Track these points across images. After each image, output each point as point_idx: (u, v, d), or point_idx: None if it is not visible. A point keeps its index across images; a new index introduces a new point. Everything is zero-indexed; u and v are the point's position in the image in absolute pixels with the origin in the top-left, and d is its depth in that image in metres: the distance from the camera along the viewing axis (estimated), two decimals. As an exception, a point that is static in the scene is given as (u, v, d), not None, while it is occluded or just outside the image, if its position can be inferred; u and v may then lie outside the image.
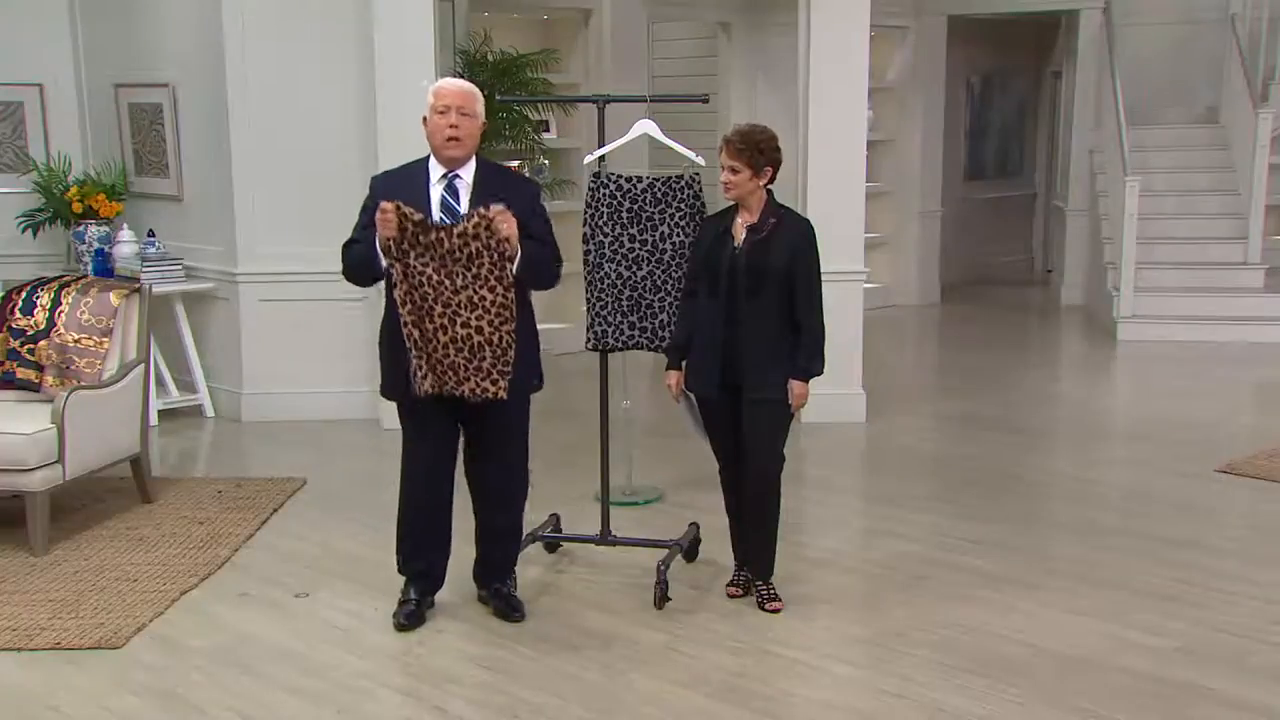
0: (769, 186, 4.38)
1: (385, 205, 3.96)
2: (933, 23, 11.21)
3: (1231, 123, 10.68)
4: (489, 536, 4.48)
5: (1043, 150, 13.47)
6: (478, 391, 4.11)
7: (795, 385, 4.35)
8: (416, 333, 4.07)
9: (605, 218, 4.79)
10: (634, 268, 4.79)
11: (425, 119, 4.17)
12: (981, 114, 12.82)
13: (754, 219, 4.36)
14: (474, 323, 4.05)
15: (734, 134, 4.33)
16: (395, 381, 4.23)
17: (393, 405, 4.39)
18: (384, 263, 4.05)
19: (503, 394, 4.11)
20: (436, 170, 4.19)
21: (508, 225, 3.97)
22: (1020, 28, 12.41)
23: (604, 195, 4.80)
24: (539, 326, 4.42)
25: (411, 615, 4.37)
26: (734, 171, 4.30)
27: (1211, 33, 11.02)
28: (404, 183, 4.19)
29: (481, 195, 4.11)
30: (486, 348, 4.06)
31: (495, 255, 4.00)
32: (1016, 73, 13.11)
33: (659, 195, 4.78)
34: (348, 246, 4.23)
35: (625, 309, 4.81)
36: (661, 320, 4.82)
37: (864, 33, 6.81)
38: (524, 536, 4.80)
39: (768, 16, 10.29)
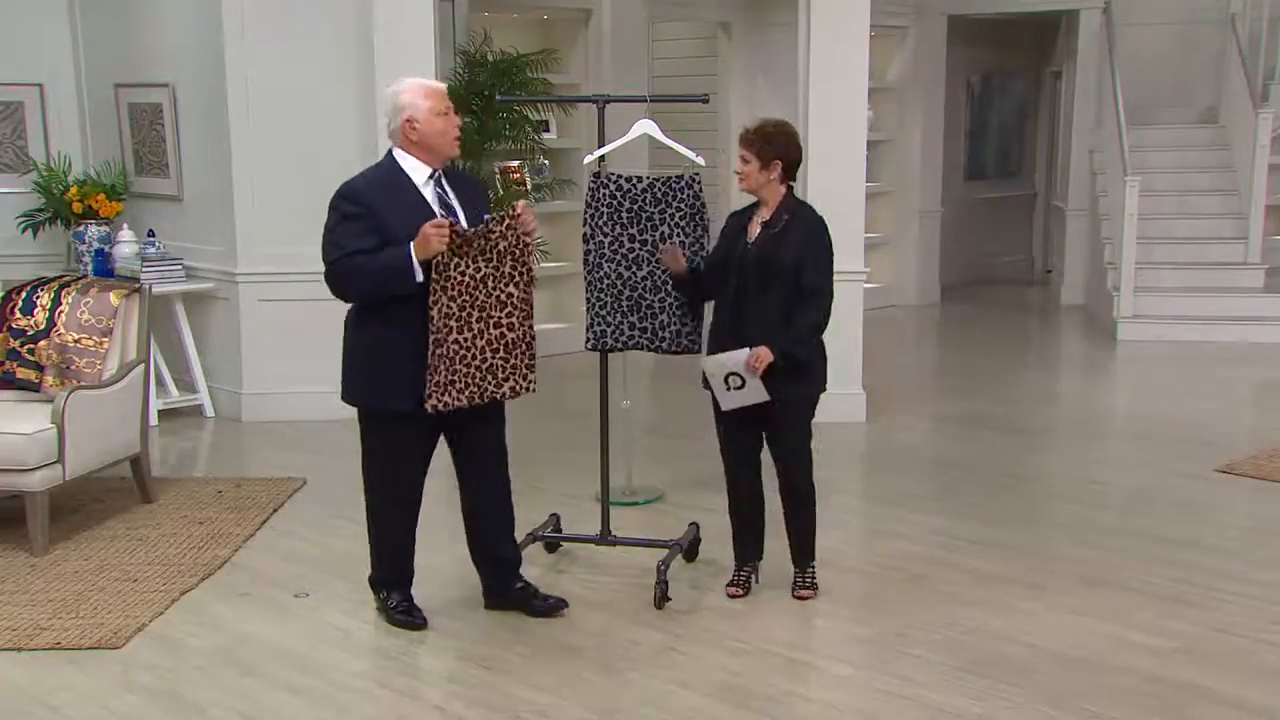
0: (790, 183, 4.39)
1: (439, 221, 3.95)
2: (933, 23, 11.22)
3: (1231, 123, 10.68)
4: (504, 537, 4.48)
5: (1043, 150, 13.47)
6: (516, 390, 4.20)
7: (761, 349, 4.27)
8: (453, 346, 4.03)
9: (605, 218, 4.79)
10: (634, 268, 4.78)
11: (413, 120, 4.05)
12: (981, 114, 12.82)
13: (769, 215, 4.38)
14: (504, 321, 4.14)
15: (748, 125, 4.39)
16: (394, 392, 4.11)
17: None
18: (420, 276, 3.97)
19: (534, 387, 4.23)
20: (420, 171, 4.11)
21: (533, 222, 4.14)
22: (1020, 28, 12.41)
23: (604, 195, 4.80)
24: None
25: (418, 612, 4.38)
26: (744, 161, 4.36)
27: (1211, 33, 11.02)
28: (388, 187, 4.08)
29: (460, 192, 4.19)
30: (517, 345, 4.18)
31: (518, 252, 4.13)
32: (1016, 73, 13.11)
33: (659, 195, 4.78)
34: (347, 259, 3.99)
35: (625, 309, 4.81)
36: (662, 320, 4.81)
37: (864, 33, 6.81)
38: (524, 536, 4.81)
39: (768, 16, 10.29)
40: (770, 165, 4.33)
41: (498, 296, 4.12)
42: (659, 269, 4.75)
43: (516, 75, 7.90)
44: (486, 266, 4.08)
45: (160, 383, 7.20)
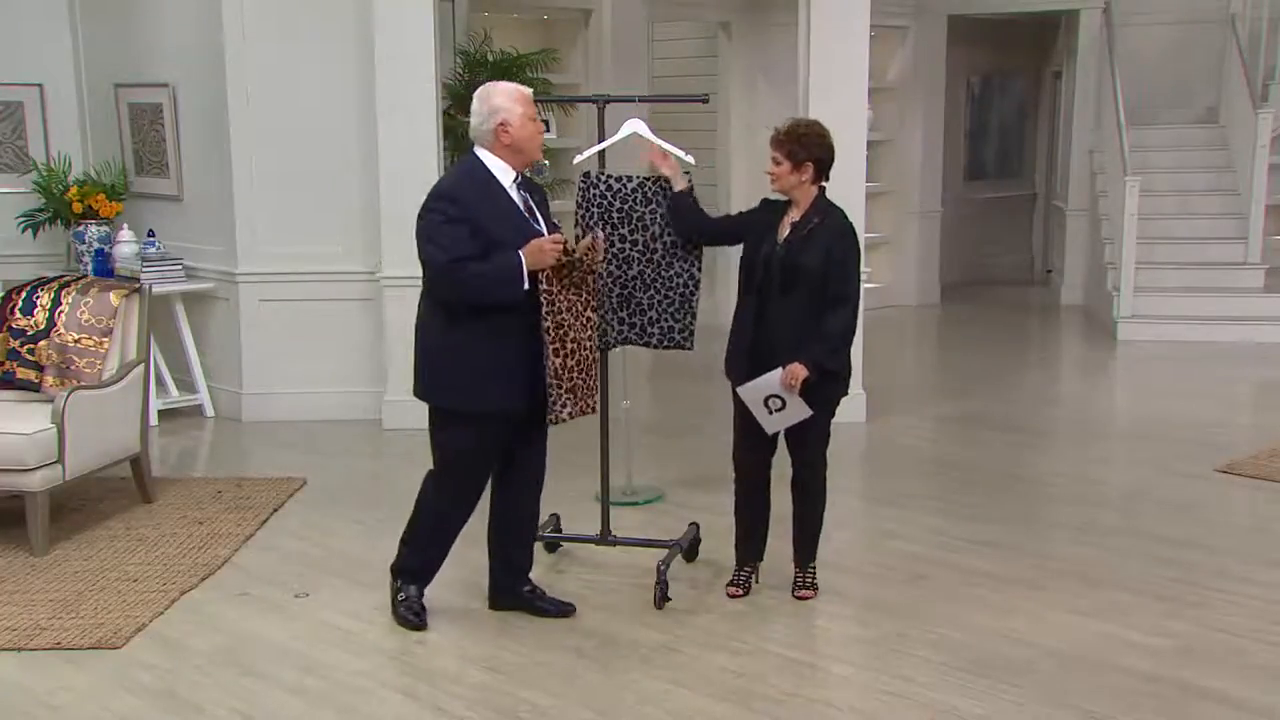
0: (822, 184, 4.39)
1: (557, 238, 4.05)
2: (933, 23, 11.21)
3: (1231, 123, 10.68)
4: (525, 546, 4.53)
5: (1043, 150, 13.46)
6: (583, 410, 4.28)
7: (794, 365, 4.27)
8: (558, 360, 4.13)
9: (596, 217, 4.77)
10: (624, 267, 4.76)
11: (507, 123, 4.09)
12: (981, 114, 12.81)
13: (799, 216, 4.38)
14: (586, 343, 4.25)
15: (780, 126, 4.39)
16: (495, 394, 4.12)
17: (409, 408, 4.40)
18: (527, 285, 4.03)
19: (595, 408, 4.32)
20: (506, 174, 4.16)
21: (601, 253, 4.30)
22: (1020, 28, 12.41)
23: (594, 195, 4.78)
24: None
25: (423, 613, 4.40)
26: (776, 163, 4.36)
27: (1211, 33, 11.01)
28: (483, 189, 4.11)
29: (532, 198, 4.26)
30: (593, 366, 4.30)
31: (590, 277, 4.24)
32: (1016, 73, 13.10)
33: (649, 195, 4.75)
34: (456, 265, 4.01)
35: (615, 305, 4.80)
36: (650, 317, 4.79)
37: (864, 33, 6.81)
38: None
39: (768, 16, 10.29)
40: (802, 167, 4.32)
41: (579, 320, 4.22)
42: (649, 268, 4.74)
43: (516, 75, 7.89)
44: (572, 288, 4.18)
45: (160, 383, 7.20)
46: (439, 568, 4.46)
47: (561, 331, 4.14)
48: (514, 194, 4.16)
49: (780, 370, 4.29)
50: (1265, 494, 5.93)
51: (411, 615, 4.38)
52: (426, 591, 4.45)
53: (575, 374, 4.21)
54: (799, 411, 4.34)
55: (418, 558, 4.43)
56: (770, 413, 4.37)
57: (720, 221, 4.78)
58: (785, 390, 4.29)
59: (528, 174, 4.37)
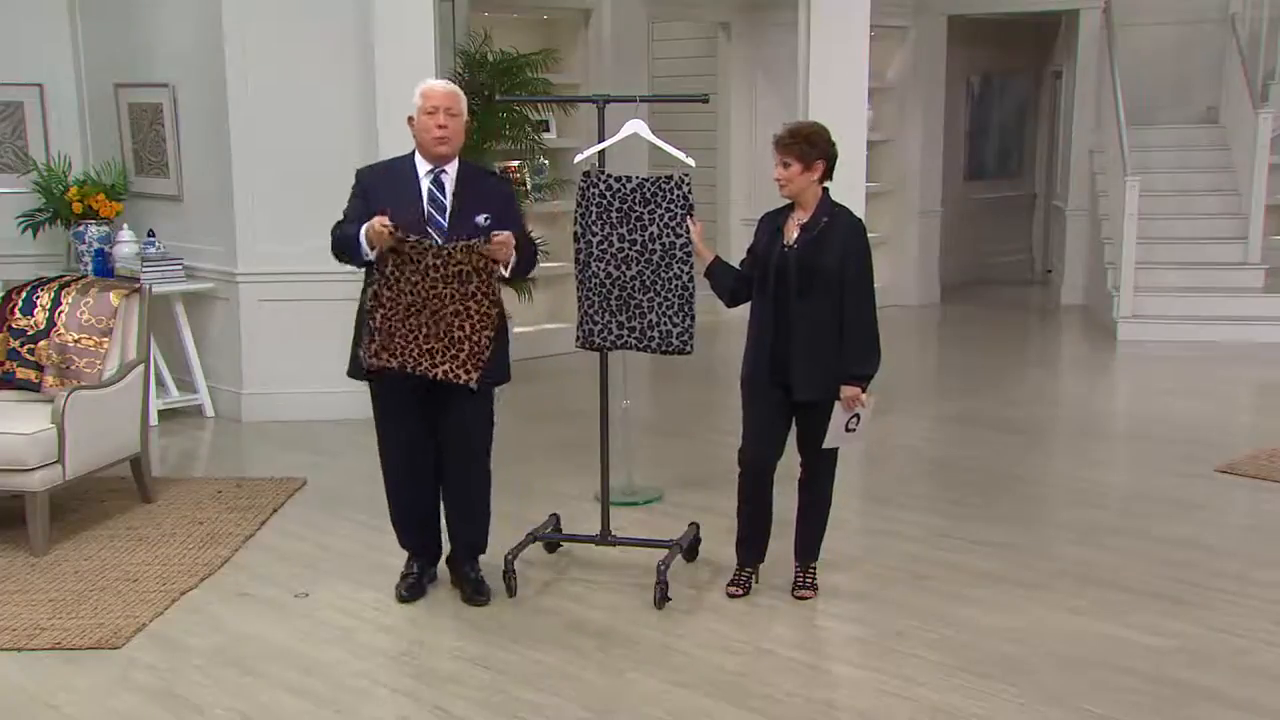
0: (825, 185, 4.38)
1: (384, 222, 4.17)
2: (933, 23, 11.22)
3: (1231, 123, 10.69)
4: (464, 517, 4.65)
5: (1043, 150, 13.48)
6: (450, 376, 4.33)
7: (845, 390, 4.32)
8: (386, 323, 4.28)
9: (594, 217, 4.75)
10: (623, 267, 4.74)
11: (411, 118, 4.39)
12: (981, 114, 12.83)
13: (807, 217, 4.36)
14: (458, 325, 4.32)
15: (781, 131, 4.38)
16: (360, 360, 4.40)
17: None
18: (368, 255, 4.26)
19: (474, 384, 4.35)
20: (423, 165, 4.41)
21: (506, 252, 4.27)
22: (1020, 28, 12.42)
23: (593, 195, 4.76)
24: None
25: (413, 588, 4.59)
26: (785, 166, 4.31)
27: (1211, 33, 11.02)
28: (391, 176, 4.43)
29: (463, 192, 4.40)
30: (466, 343, 4.33)
31: (485, 275, 4.30)
32: (1016, 73, 13.12)
33: (648, 195, 4.72)
34: (338, 226, 4.41)
35: (614, 308, 4.77)
36: (650, 320, 4.74)
37: (864, 33, 6.82)
38: (524, 536, 4.83)
39: (768, 16, 10.29)
40: (814, 166, 4.31)
41: (455, 308, 4.30)
42: (648, 269, 4.71)
43: (516, 75, 7.89)
44: (445, 285, 4.26)
45: (160, 383, 7.20)
46: (421, 542, 4.64)
47: (411, 306, 4.27)
48: (423, 183, 4.38)
49: (838, 404, 4.35)
50: (1265, 494, 5.93)
51: (403, 591, 4.59)
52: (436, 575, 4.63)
53: (431, 341, 4.29)
54: (865, 411, 4.42)
55: (396, 529, 4.69)
56: (854, 431, 4.43)
57: (748, 264, 4.61)
58: (851, 409, 4.35)
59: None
